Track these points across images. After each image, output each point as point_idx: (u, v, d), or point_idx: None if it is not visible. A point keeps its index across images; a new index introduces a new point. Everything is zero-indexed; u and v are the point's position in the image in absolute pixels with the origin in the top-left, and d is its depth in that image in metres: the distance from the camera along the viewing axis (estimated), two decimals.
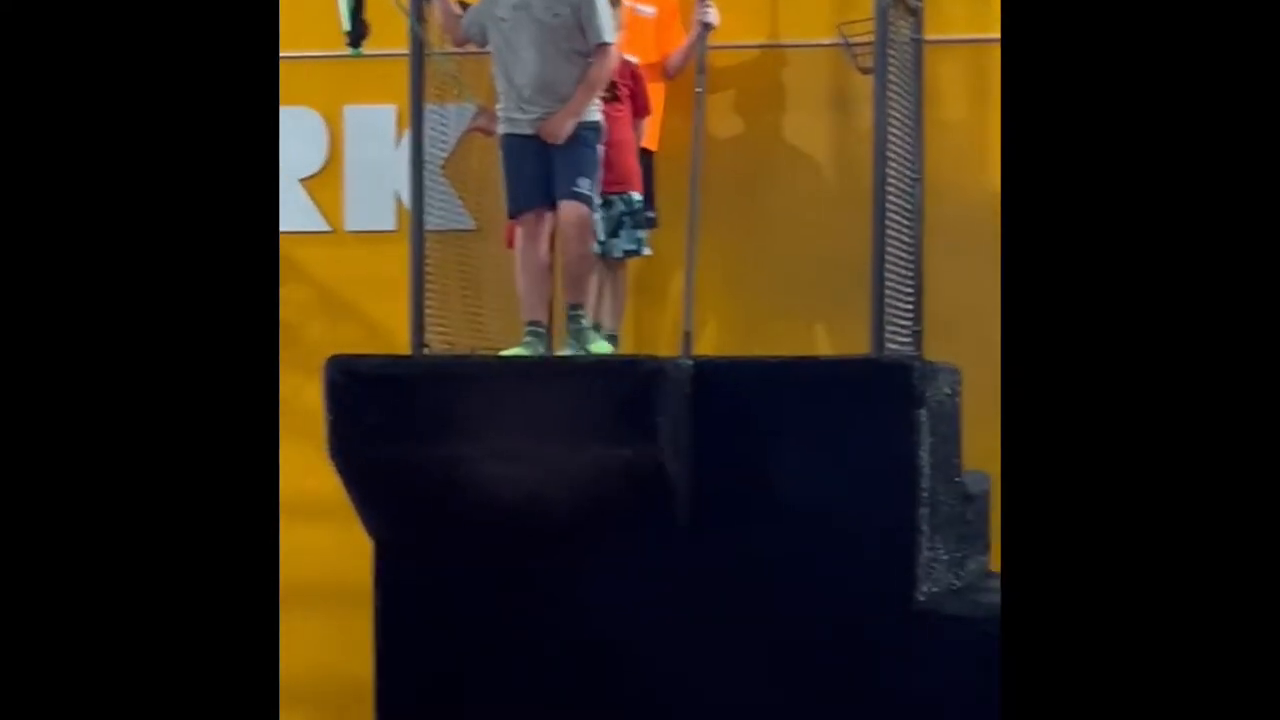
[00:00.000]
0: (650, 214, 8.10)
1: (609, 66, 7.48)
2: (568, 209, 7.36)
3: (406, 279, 7.81)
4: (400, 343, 7.90)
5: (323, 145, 8.92)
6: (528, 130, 7.41)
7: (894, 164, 7.75)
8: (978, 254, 8.32)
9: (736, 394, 7.23)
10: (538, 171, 7.39)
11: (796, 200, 8.54)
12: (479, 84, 7.97)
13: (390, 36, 7.97)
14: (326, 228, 8.90)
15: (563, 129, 7.35)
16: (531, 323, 7.45)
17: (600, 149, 7.45)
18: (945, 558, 7.37)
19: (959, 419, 7.77)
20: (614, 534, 7.19)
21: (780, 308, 8.46)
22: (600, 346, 7.47)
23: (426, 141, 7.88)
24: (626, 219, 7.88)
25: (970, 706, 6.95)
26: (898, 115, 7.82)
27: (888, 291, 7.60)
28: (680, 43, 8.30)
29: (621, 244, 7.91)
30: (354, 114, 8.93)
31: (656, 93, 8.20)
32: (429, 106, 7.90)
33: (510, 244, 7.80)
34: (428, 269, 7.83)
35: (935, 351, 8.03)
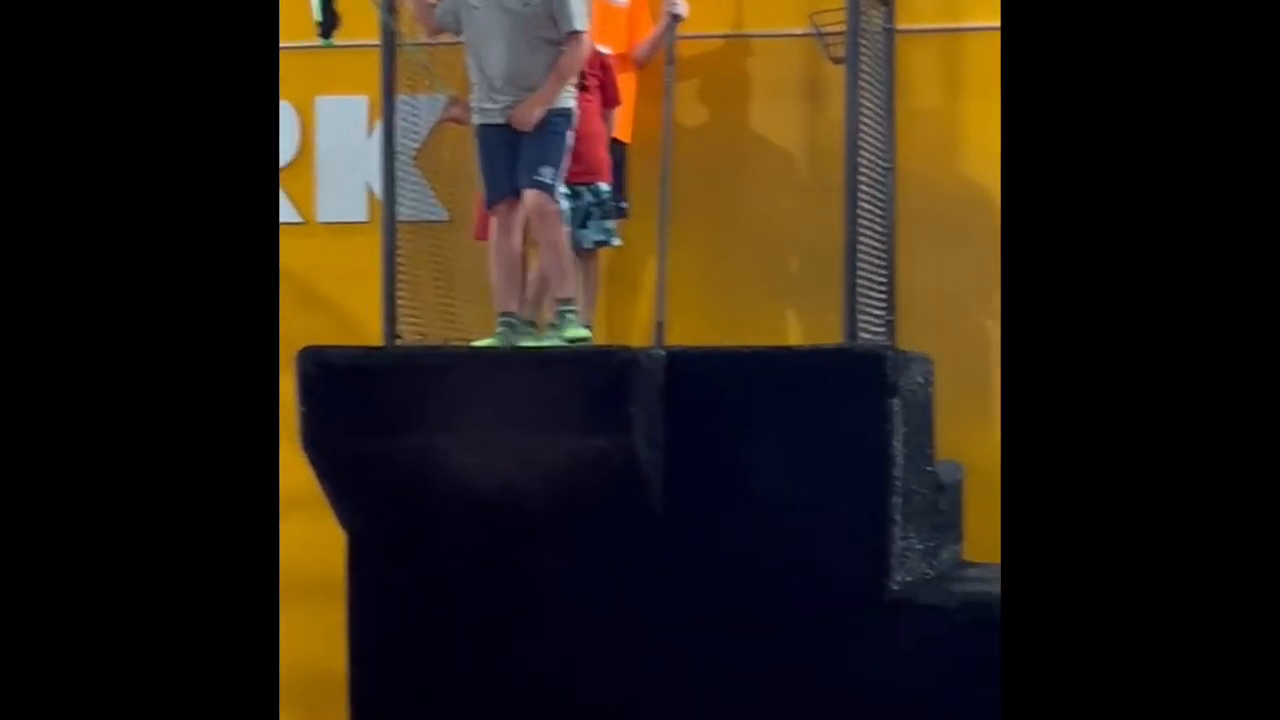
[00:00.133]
0: (622, 204, 8.09)
1: (581, 55, 7.45)
2: (529, 197, 7.34)
3: (379, 270, 7.80)
4: (372, 334, 7.88)
5: (294, 136, 8.88)
6: (499, 119, 7.39)
7: (866, 153, 7.75)
8: (949, 244, 8.35)
9: (710, 384, 7.23)
10: (509, 161, 7.38)
11: (769, 190, 8.54)
12: (451, 74, 7.95)
13: (362, 27, 7.95)
14: (298, 219, 8.87)
15: (531, 116, 7.33)
16: (504, 313, 7.43)
17: (570, 135, 7.42)
18: (919, 547, 7.38)
19: (932, 408, 7.78)
20: (587, 524, 7.19)
21: (753, 297, 8.46)
22: (576, 331, 7.43)
23: (398, 132, 7.86)
24: (595, 210, 7.85)
25: (944, 695, 6.98)
26: (870, 105, 7.83)
27: (860, 281, 7.60)
28: (649, 33, 8.29)
29: (590, 235, 7.88)
30: (326, 105, 8.91)
31: (628, 84, 8.18)
32: (401, 97, 7.88)
33: (479, 236, 7.79)
34: (400, 260, 7.81)
35: (908, 341, 8.04)
